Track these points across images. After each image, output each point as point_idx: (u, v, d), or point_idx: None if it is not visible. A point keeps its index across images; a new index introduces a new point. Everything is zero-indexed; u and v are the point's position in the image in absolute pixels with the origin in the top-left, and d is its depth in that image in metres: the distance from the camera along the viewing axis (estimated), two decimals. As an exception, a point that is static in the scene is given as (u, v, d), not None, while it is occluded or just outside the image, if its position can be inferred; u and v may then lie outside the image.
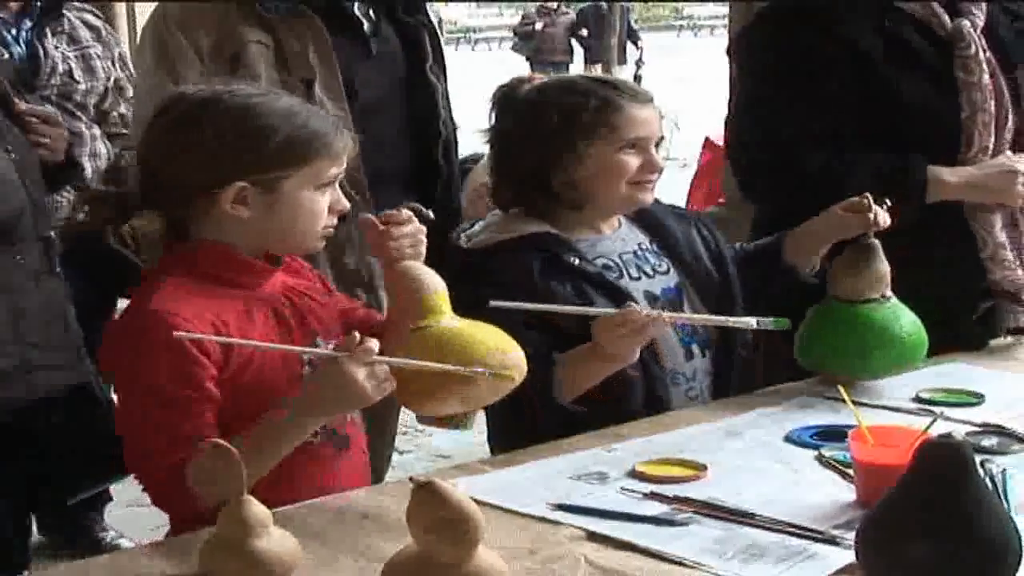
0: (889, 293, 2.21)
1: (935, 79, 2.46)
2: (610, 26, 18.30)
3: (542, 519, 1.66)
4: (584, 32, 18.46)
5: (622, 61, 18.45)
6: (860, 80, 2.43)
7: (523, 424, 2.06)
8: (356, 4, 2.53)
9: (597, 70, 15.05)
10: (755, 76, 2.57)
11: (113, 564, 1.66)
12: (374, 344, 1.66)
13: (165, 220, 1.81)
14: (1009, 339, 2.54)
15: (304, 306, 1.89)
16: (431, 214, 2.01)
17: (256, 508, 1.45)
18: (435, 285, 1.84)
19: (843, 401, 1.87)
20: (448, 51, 2.77)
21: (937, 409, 1.97)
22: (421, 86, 2.60)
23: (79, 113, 3.18)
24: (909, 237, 2.27)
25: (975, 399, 2.15)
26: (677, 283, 2.25)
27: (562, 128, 2.15)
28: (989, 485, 1.59)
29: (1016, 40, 2.57)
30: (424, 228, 1.96)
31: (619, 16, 18.52)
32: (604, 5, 18.49)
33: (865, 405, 2.05)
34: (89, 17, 3.32)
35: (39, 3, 3.14)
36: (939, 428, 1.64)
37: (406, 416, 2.90)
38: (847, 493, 1.73)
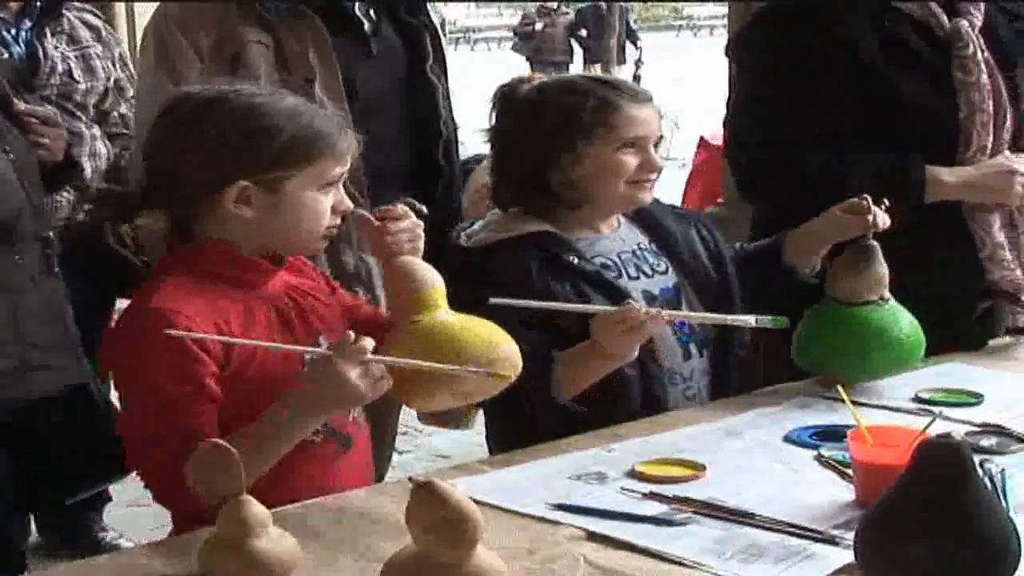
0: (888, 295, 2.21)
1: (934, 79, 2.46)
2: (609, 26, 18.30)
3: (541, 519, 1.66)
4: (583, 32, 18.45)
5: (621, 61, 18.44)
6: (859, 80, 2.43)
7: (522, 424, 2.07)
8: (357, 4, 2.53)
9: (596, 70, 15.04)
10: (754, 76, 2.57)
11: (113, 564, 1.67)
12: (368, 343, 1.67)
13: (169, 219, 1.82)
14: (1008, 339, 2.54)
15: (307, 305, 1.89)
16: (424, 208, 2.01)
17: (255, 508, 1.45)
18: (431, 280, 1.84)
19: (842, 401, 1.87)
20: (447, 51, 2.76)
21: (936, 409, 1.97)
22: (421, 86, 2.60)
23: (79, 113, 3.18)
24: (908, 237, 2.27)
25: (974, 399, 2.15)
26: (675, 283, 2.25)
27: (561, 127, 2.15)
28: (988, 485, 1.59)
29: (1014, 40, 2.57)
30: (421, 223, 1.96)
31: (618, 16, 18.52)
32: (603, 5, 18.48)
33: (864, 405, 2.05)
34: (89, 17, 3.32)
35: (39, 3, 3.14)
36: (938, 428, 1.64)
37: (405, 416, 2.91)
38: (846, 493, 1.73)
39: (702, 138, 6.81)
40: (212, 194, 1.78)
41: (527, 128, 2.19)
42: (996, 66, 2.50)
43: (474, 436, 2.31)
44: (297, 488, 1.77)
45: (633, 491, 1.75)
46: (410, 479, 1.36)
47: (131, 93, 3.29)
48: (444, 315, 1.81)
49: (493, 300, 1.91)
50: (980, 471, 1.46)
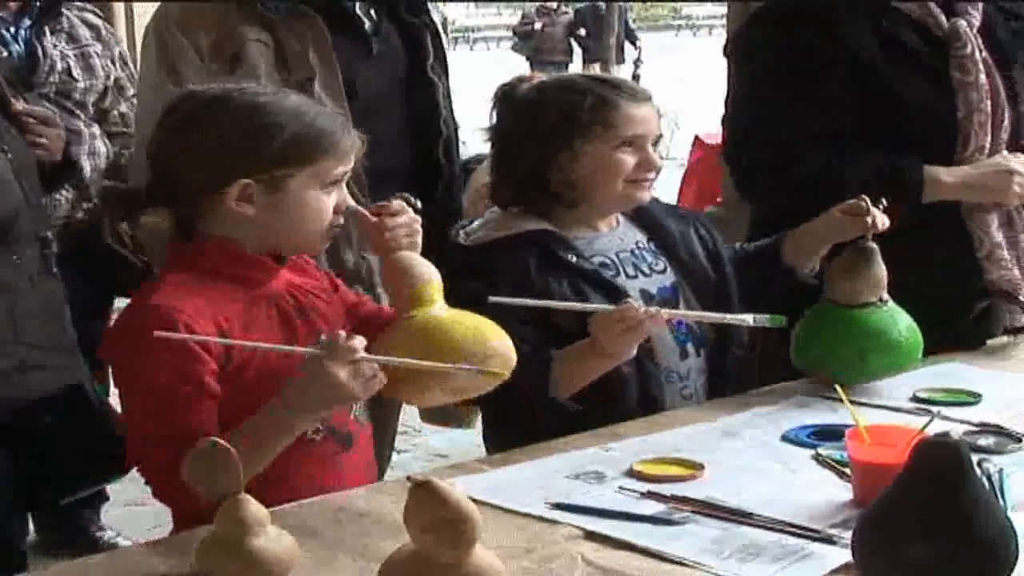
0: (887, 296, 2.21)
1: (932, 79, 2.46)
2: (608, 26, 18.29)
3: (539, 518, 1.66)
4: (582, 32, 18.46)
5: (620, 61, 18.45)
6: (858, 80, 2.43)
7: (520, 423, 2.07)
8: (357, 4, 2.53)
9: (596, 70, 15.03)
10: (753, 76, 2.57)
11: (111, 563, 1.67)
12: (358, 342, 1.67)
13: (174, 218, 1.82)
14: (1006, 338, 2.54)
15: (309, 303, 1.89)
16: (419, 203, 2.01)
17: (254, 507, 1.45)
18: (427, 275, 1.84)
19: (840, 400, 1.87)
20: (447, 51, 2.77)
21: (934, 408, 1.97)
22: (421, 85, 2.60)
23: (78, 111, 3.18)
24: (906, 237, 2.27)
25: (972, 398, 2.15)
26: (673, 282, 2.25)
27: (560, 126, 2.15)
28: (986, 484, 1.59)
29: (1013, 39, 2.57)
30: (419, 218, 1.96)
31: (617, 16, 18.52)
32: (602, 5, 18.48)
33: (862, 404, 2.05)
34: (89, 16, 3.32)
35: (38, 2, 3.14)
36: (936, 427, 1.64)
37: (404, 415, 2.91)
38: (844, 492, 1.73)
39: (697, 137, 6.86)
40: (214, 192, 1.78)
41: (526, 127, 2.19)
42: (994, 66, 2.50)
43: (473, 436, 2.30)
44: (298, 487, 1.77)
45: (631, 490, 1.75)
46: (408, 478, 1.36)
47: (131, 92, 3.30)
48: (438, 311, 1.81)
49: (492, 299, 1.91)
50: (978, 470, 1.46)
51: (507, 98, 2.25)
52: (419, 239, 1.95)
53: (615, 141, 2.16)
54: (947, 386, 2.20)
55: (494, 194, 2.28)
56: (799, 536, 1.58)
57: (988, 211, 2.49)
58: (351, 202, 1.89)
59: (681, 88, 14.12)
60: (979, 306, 2.52)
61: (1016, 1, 2.65)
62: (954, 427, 1.86)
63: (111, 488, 3.16)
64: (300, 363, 1.77)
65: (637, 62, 19.02)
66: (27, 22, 3.12)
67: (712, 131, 5.83)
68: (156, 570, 1.55)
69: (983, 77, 2.46)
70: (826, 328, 2.22)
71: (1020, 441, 1.91)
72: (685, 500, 1.70)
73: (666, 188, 2.39)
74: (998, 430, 1.96)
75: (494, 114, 2.27)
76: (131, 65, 3.38)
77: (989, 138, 2.46)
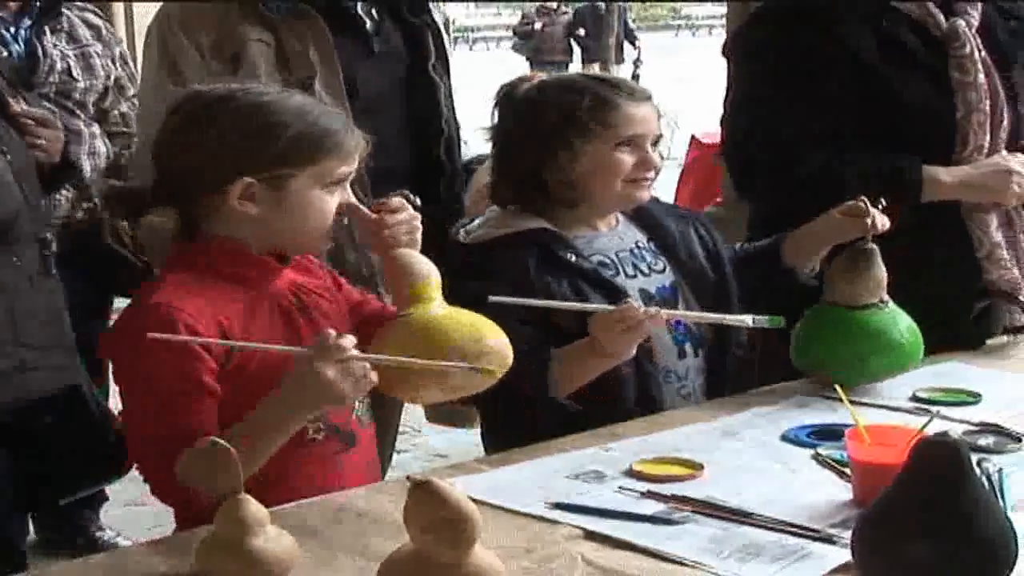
0: (887, 298, 2.21)
1: (931, 79, 2.46)
2: (607, 26, 18.30)
3: (539, 518, 1.66)
4: (581, 32, 18.45)
5: (619, 61, 18.45)
6: (858, 80, 2.44)
7: (519, 422, 2.07)
8: (358, 3, 2.54)
9: (595, 70, 15.03)
10: (753, 76, 2.57)
11: (111, 562, 1.66)
12: (347, 341, 1.67)
13: (178, 217, 1.82)
14: (1006, 338, 2.54)
15: (312, 303, 1.89)
16: (418, 200, 2.01)
17: (253, 507, 1.45)
18: (425, 273, 1.83)
19: (840, 400, 1.87)
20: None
21: (934, 408, 1.97)
22: (422, 85, 2.60)
23: (78, 111, 3.18)
24: (906, 237, 2.27)
25: (972, 398, 2.15)
26: (673, 282, 2.25)
27: (559, 126, 2.15)
28: (986, 484, 1.60)
29: (1011, 39, 2.57)
30: (418, 215, 1.96)
31: (616, 16, 18.52)
32: (601, 5, 18.48)
33: (862, 404, 2.05)
34: (90, 16, 3.33)
35: (38, 2, 3.15)
36: (936, 427, 1.64)
37: (404, 415, 2.91)
38: (844, 492, 1.73)
39: (693, 137, 6.89)
40: (217, 191, 1.78)
41: (526, 127, 2.20)
42: (993, 66, 2.50)
43: (473, 436, 2.30)
44: (298, 487, 1.77)
45: (631, 490, 1.75)
46: (408, 478, 1.36)
47: (131, 92, 3.30)
48: (436, 309, 1.81)
49: (492, 298, 1.91)
50: (978, 470, 1.46)
51: (508, 98, 2.25)
52: (419, 236, 1.95)
53: (614, 141, 2.16)
54: (947, 386, 2.20)
55: (494, 193, 2.28)
56: (799, 536, 1.58)
57: (987, 211, 2.49)
58: (352, 200, 1.89)
59: (681, 88, 14.11)
60: (979, 306, 2.52)
61: (1015, 1, 2.65)
62: (954, 427, 1.86)
63: (111, 488, 3.16)
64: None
65: (636, 62, 19.01)
66: (27, 22, 3.13)
67: (709, 131, 5.85)
68: (156, 570, 1.55)
69: (982, 77, 2.46)
70: (826, 329, 2.22)
71: (1020, 441, 1.91)
72: (685, 500, 1.70)
73: (666, 188, 2.39)
74: (998, 430, 1.96)
75: (495, 114, 2.28)
76: (131, 65, 3.38)
77: (988, 138, 2.46)
